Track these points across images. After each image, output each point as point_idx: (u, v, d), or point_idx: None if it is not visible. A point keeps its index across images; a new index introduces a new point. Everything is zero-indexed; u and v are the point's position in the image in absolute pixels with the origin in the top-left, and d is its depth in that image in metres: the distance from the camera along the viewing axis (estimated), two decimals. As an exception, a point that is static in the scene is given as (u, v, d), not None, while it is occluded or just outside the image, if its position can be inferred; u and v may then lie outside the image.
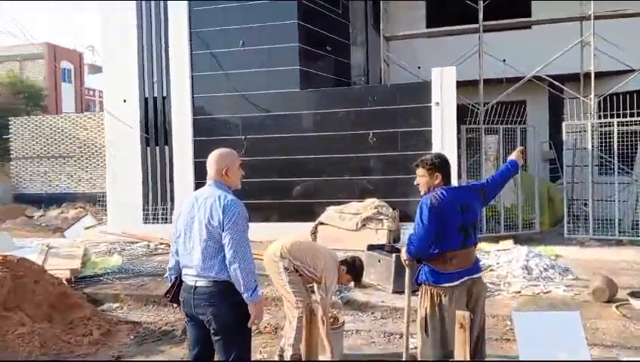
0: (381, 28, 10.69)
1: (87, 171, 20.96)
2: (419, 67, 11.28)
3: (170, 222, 10.45)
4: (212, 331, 2.94)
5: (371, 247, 6.68)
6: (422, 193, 3.45)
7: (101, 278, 7.31)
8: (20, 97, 33.31)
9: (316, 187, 9.84)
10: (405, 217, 9.13)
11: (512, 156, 3.76)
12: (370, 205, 9.21)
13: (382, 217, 8.99)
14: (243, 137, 9.99)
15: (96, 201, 18.80)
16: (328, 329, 4.24)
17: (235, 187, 3.14)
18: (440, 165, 3.40)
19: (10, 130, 22.44)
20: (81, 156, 21.35)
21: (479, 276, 3.46)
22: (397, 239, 8.78)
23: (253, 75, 9.96)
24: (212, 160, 3.08)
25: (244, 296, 2.86)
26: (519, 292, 5.97)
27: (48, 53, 39.75)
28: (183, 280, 3.07)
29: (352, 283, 6.26)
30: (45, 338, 4.80)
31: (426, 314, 3.34)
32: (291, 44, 9.82)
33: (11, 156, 22.54)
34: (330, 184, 9.78)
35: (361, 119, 9.65)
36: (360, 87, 10.83)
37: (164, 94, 10.57)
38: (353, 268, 4.57)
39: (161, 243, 9.45)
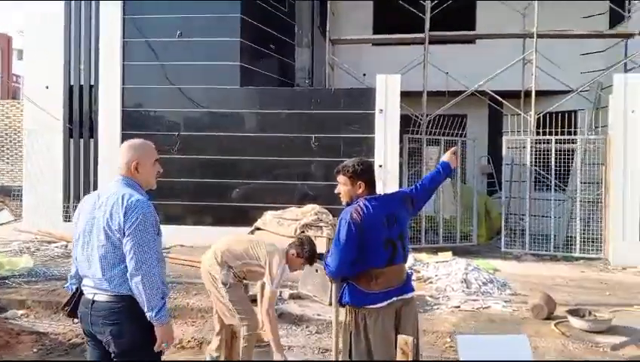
0: (327, 30, 10.43)
1: (7, 163, 19.41)
2: (364, 74, 11.09)
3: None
4: (112, 353, 2.49)
5: (308, 256, 6.29)
6: (343, 203, 3.07)
7: (6, 281, 6.53)
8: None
9: (254, 190, 9.37)
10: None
11: (445, 158, 3.39)
12: (310, 211, 8.75)
13: (322, 224, 8.56)
14: (176, 133, 9.39)
15: (15, 195, 17.42)
16: (274, 324, 3.98)
17: (149, 186, 2.69)
18: (363, 172, 3.03)
19: None
20: (2, 146, 19.76)
21: (411, 296, 3.07)
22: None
23: (191, 67, 9.38)
24: (121, 151, 2.63)
25: (148, 315, 2.40)
26: (458, 307, 5.80)
27: (-29, 35, 36.94)
28: (82, 291, 2.59)
29: (285, 294, 5.93)
30: None
31: (350, 339, 2.96)
32: (233, 39, 9.34)
33: None
34: (268, 188, 9.35)
35: (304, 122, 9.31)
36: (303, 89, 10.50)
37: (92, 82, 9.77)
38: (303, 249, 4.24)
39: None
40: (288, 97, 9.62)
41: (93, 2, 9.74)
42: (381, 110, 8.96)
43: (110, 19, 9.60)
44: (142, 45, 9.50)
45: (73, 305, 2.65)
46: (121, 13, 9.55)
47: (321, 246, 8.27)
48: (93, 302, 2.48)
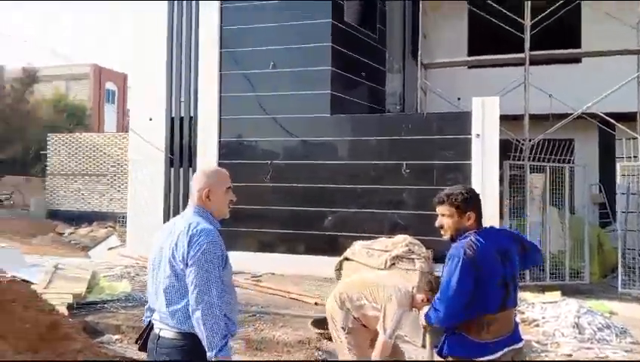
0: (419, 54, 10.16)
1: (118, 190, 20.95)
2: (459, 98, 10.63)
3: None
4: None
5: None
6: (445, 237, 2.74)
7: (105, 306, 6.82)
8: (63, 115, 34.29)
9: (344, 219, 9.20)
10: (440, 258, 8.37)
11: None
12: (401, 242, 8.48)
13: (414, 256, 8.25)
14: (269, 162, 9.51)
15: (121, 222, 18.68)
16: None
17: (221, 215, 2.54)
18: (472, 202, 2.69)
19: (48, 146, 22.81)
20: (114, 175, 21.40)
21: (520, 346, 2.69)
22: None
23: (283, 97, 9.53)
24: (194, 179, 2.56)
25: (208, 354, 2.24)
26: (570, 355, 5.15)
27: (94, 74, 40.99)
28: (153, 325, 2.51)
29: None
30: (25, 374, 4.26)
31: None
32: (324, 67, 9.37)
33: (47, 172, 22.84)
34: (358, 216, 9.14)
35: (395, 149, 9.04)
36: (394, 115, 10.25)
37: (192, 114, 10.25)
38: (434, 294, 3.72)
39: (177, 270, 8.94)
40: (379, 124, 9.44)
41: (193, 38, 10.27)
42: (478, 134, 8.46)
43: (208, 53, 10.06)
44: (237, 77, 9.83)
45: (144, 339, 2.58)
46: (218, 48, 9.98)
47: (413, 281, 7.93)
48: (159, 337, 2.39)
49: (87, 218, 20.99)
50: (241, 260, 9.45)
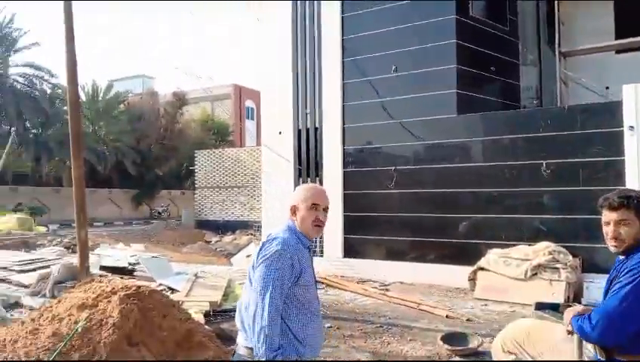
0: (556, 43, 9.23)
1: (258, 201, 22.19)
2: (607, 87, 9.45)
3: (320, 255, 10.12)
4: None
5: (541, 306, 5.33)
6: (618, 249, 2.32)
7: (238, 312, 7.09)
8: (209, 133, 37.41)
9: (476, 225, 8.63)
10: (590, 267, 7.46)
11: None
12: (542, 250, 7.73)
13: (558, 265, 7.46)
14: (392, 168, 9.28)
15: (257, 229, 19.70)
16: None
17: (306, 233, 2.42)
18: None
19: (196, 162, 24.96)
20: (254, 186, 22.72)
21: None
22: (578, 295, 7.16)
23: (406, 101, 9.25)
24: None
25: None
26: None
27: (234, 94, 44.18)
28: None
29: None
30: (163, 379, 4.52)
31: None
32: (448, 66, 8.91)
33: (196, 185, 24.99)
34: (492, 222, 8.51)
35: (532, 147, 8.26)
36: (530, 110, 9.42)
37: (317, 125, 10.41)
38: None
39: (307, 279, 9.08)
40: (513, 121, 8.71)
41: (316, 52, 10.45)
42: (631, 127, 7.40)
43: (331, 64, 10.15)
44: (359, 85, 9.78)
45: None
46: (340, 58, 10.02)
47: (558, 293, 7.15)
48: (234, 353, 2.41)
49: (232, 227, 22.58)
50: (368, 268, 9.41)
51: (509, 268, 7.77)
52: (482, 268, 8.01)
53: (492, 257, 8.03)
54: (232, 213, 23.66)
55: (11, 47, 28.74)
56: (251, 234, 20.90)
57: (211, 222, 23.62)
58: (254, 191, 22.76)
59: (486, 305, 7.38)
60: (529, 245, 7.99)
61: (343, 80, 9.97)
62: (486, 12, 9.67)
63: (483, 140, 8.75)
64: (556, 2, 9.54)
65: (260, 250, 2.31)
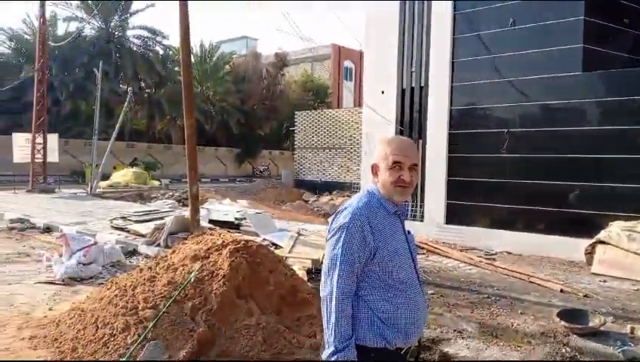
0: None
1: (354, 162, 22.15)
2: None
3: (420, 220, 9.86)
4: None
5: (676, 287, 4.77)
6: None
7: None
8: (309, 94, 37.76)
9: (595, 195, 7.87)
10: None
11: None
12: (676, 224, 6.91)
13: (694, 243, 6.63)
14: (505, 131, 8.66)
15: (355, 190, 19.74)
16: None
17: (389, 196, 2.01)
18: None
19: (296, 123, 25.33)
20: (351, 148, 22.68)
21: None
22: None
23: (524, 57, 8.50)
24: None
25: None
26: None
27: (333, 54, 43.92)
28: None
29: (640, 333, 4.61)
30: (269, 333, 4.64)
31: None
32: (574, 18, 8.01)
33: (295, 146, 25.45)
34: (615, 192, 7.71)
35: (670, 110, 7.29)
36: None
37: (422, 84, 9.95)
38: None
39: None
40: (647, 80, 7.72)
41: (425, 5, 9.88)
42: None
43: (441, 19, 9.56)
44: (472, 40, 9.14)
45: None
46: (451, 10, 9.39)
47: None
48: None
49: (328, 187, 22.83)
50: (472, 236, 9.00)
51: (635, 242, 7.04)
52: (602, 242, 7.33)
53: (614, 230, 7.31)
54: (330, 173, 23.87)
55: (128, 10, 30.55)
56: (347, 196, 21.00)
57: (309, 182, 24.04)
58: (351, 153, 22.72)
59: (605, 281, 6.77)
60: (659, 219, 7.18)
61: (453, 34, 9.36)
62: (622, -46, 8.54)
63: (609, 101, 7.85)
64: None
65: (333, 219, 1.98)
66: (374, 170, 2.04)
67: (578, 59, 8.00)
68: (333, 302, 1.88)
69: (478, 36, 9.03)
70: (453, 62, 9.40)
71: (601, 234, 7.35)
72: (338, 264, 1.89)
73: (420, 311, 2.00)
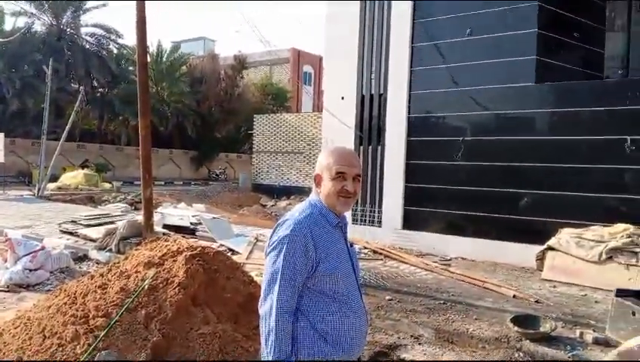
0: (653, 6, 8.39)
1: (313, 167, 22.05)
2: None
3: (378, 225, 9.94)
4: None
5: (622, 292, 4.98)
6: None
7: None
8: (269, 98, 37.55)
9: (546, 202, 8.15)
10: (672, 253, 6.89)
11: None
12: (620, 232, 7.22)
13: (637, 249, 6.96)
14: (460, 139, 8.86)
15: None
16: None
17: (332, 208, 1.95)
18: None
19: (254, 126, 25.12)
20: (310, 153, 22.69)
21: None
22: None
23: (480, 67, 8.73)
24: None
25: None
26: None
27: (293, 58, 43.92)
28: None
29: (588, 337, 4.79)
30: (225, 341, 4.53)
31: None
32: (529, 30, 8.28)
33: (253, 149, 25.23)
34: (565, 200, 8.00)
35: (616, 121, 7.65)
36: (616, 81, 8.71)
37: (381, 91, 10.06)
38: None
39: (365, 248, 8.96)
40: (595, 92, 8.07)
41: (385, 13, 10.00)
42: None
43: (400, 26, 9.69)
44: (429, 48, 9.31)
45: None
46: (410, 18, 9.54)
47: (636, 279, 6.68)
48: None
49: (287, 192, 22.74)
50: (428, 241, 9.15)
51: (582, 249, 7.32)
52: (552, 248, 7.58)
53: (564, 237, 7.58)
54: (288, 178, 23.79)
55: (81, 8, 29.58)
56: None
57: (267, 186, 23.88)
58: (310, 157, 22.74)
59: (555, 286, 7.01)
60: (605, 226, 7.49)
61: (412, 43, 9.51)
62: (572, -29, 8.91)
63: (561, 112, 8.17)
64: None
65: (272, 232, 1.91)
66: (317, 180, 1.98)
67: (531, 71, 8.28)
68: (273, 318, 1.79)
69: (436, 45, 9.21)
70: (411, 71, 9.54)
71: (551, 241, 7.60)
72: (279, 279, 1.81)
73: (362, 326, 1.96)
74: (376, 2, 10.09)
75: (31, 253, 6.13)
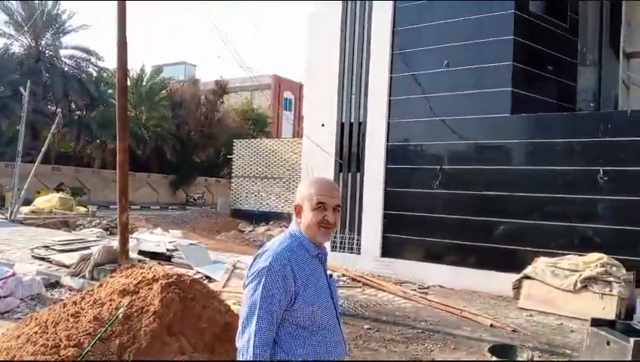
0: (621, 43, 8.73)
1: (292, 193, 22.12)
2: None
3: (357, 252, 9.92)
4: None
5: (597, 322, 5.03)
6: None
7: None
8: (249, 123, 37.62)
9: (523, 231, 8.27)
10: (646, 283, 7.04)
11: None
12: (594, 262, 7.34)
13: (611, 279, 7.07)
14: (438, 167, 8.98)
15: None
16: None
17: (313, 238, 1.95)
18: None
19: (234, 151, 25.06)
20: (290, 178, 22.67)
21: None
22: (630, 311, 6.76)
23: (457, 98, 8.92)
24: None
25: None
26: None
27: (274, 84, 44.25)
28: None
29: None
30: (201, 371, 4.42)
31: None
32: (504, 63, 8.53)
33: (232, 174, 25.11)
34: (541, 229, 8.13)
35: (589, 152, 7.85)
36: (589, 113, 8.97)
37: (360, 119, 10.17)
38: None
39: (344, 275, 8.92)
40: (569, 124, 8.30)
41: (365, 43, 10.18)
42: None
43: (380, 56, 9.87)
44: (407, 79, 9.49)
45: None
46: (389, 50, 9.73)
47: (609, 308, 6.77)
48: None
49: (265, 217, 22.60)
50: (407, 269, 9.16)
51: (558, 278, 7.42)
52: (528, 277, 7.67)
53: (539, 266, 7.68)
54: (267, 203, 23.68)
55: (61, 29, 29.45)
56: (285, 226, 20.85)
57: (246, 211, 23.71)
58: (290, 183, 22.72)
59: (531, 315, 7.06)
60: (579, 255, 7.61)
61: (390, 73, 9.69)
62: (546, 8, 9.23)
63: (536, 142, 8.36)
64: (623, 1, 9.00)
65: (251, 264, 1.89)
66: (297, 210, 1.97)
67: (507, 102, 8.49)
68: (250, 352, 1.75)
69: (414, 76, 9.39)
70: (390, 100, 9.70)
71: (528, 270, 7.68)
72: (256, 311, 1.78)
73: (341, 357, 1.94)
74: (356, 31, 10.28)
75: (1, 279, 5.95)
